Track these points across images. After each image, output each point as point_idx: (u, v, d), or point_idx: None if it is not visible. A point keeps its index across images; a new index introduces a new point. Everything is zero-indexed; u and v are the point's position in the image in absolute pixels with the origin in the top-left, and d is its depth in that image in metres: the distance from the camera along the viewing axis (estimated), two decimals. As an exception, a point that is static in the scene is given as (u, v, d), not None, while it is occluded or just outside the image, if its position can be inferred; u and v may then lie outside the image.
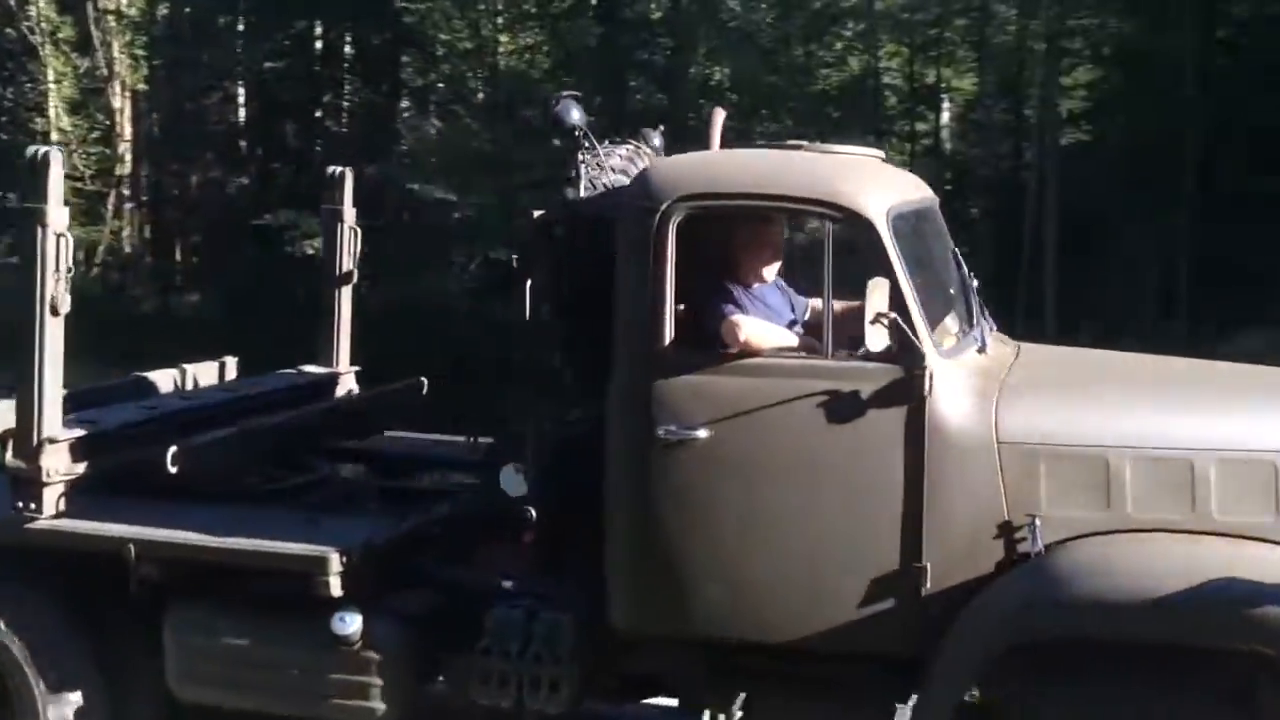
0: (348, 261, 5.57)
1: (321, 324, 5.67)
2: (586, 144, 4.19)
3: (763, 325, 3.89)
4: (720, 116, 4.70)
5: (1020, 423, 3.64)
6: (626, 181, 4.16)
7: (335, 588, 3.80)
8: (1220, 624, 3.29)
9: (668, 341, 3.74)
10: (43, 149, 4.05)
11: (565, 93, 4.33)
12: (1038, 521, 3.51)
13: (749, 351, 3.76)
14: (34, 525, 4.07)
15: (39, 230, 3.96)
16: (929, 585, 3.58)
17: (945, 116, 21.76)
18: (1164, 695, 3.32)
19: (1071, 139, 20.53)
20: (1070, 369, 4.32)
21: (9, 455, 4.14)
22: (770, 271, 4.15)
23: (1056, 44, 19.66)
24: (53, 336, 4.06)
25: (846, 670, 3.79)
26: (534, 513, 3.90)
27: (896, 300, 3.57)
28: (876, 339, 3.50)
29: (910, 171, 5.07)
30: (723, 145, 4.62)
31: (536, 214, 4.18)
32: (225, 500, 4.38)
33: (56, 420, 4.13)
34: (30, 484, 4.04)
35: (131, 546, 3.98)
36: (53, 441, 4.08)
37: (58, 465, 4.07)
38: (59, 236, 3.99)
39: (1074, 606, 3.38)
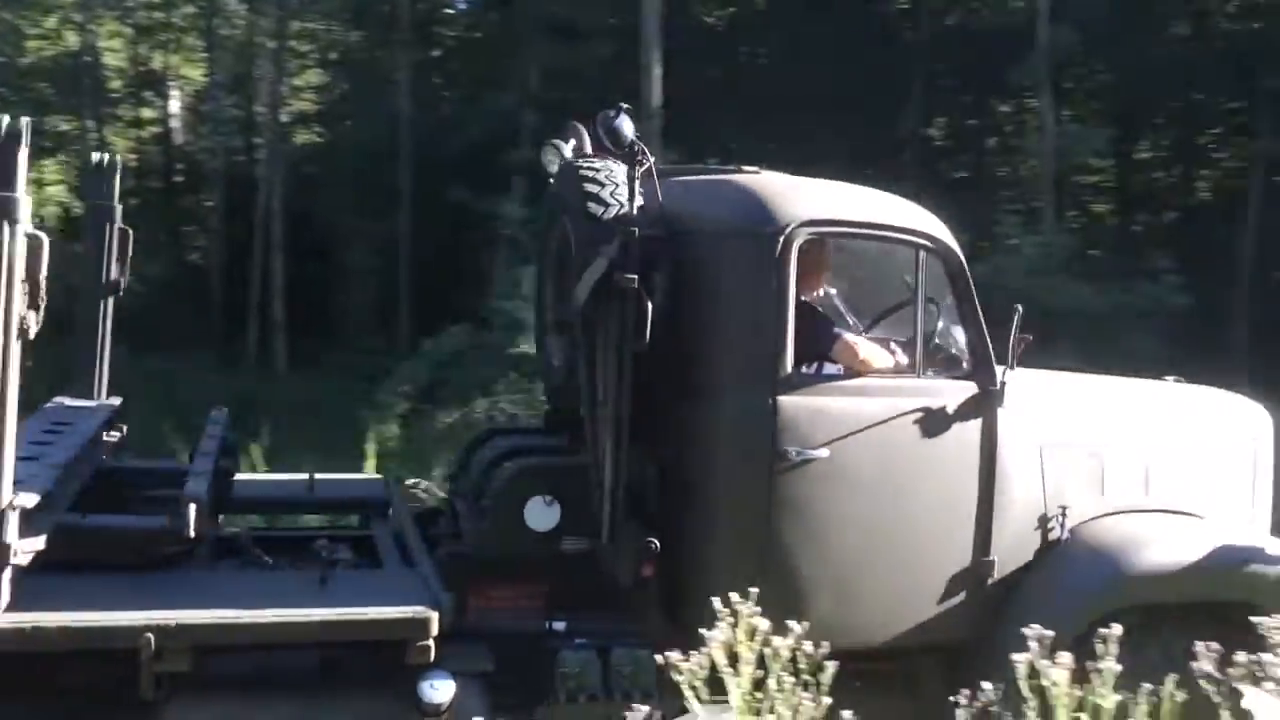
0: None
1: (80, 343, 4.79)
2: (641, 158, 3.89)
3: (872, 346, 4.06)
4: None
5: (1051, 426, 4.19)
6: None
7: (432, 652, 3.32)
8: (1231, 581, 4.06)
9: (790, 363, 3.79)
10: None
11: (623, 105, 4.02)
12: (1066, 511, 4.09)
13: (864, 371, 3.94)
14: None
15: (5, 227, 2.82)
16: (995, 575, 4.00)
17: (174, 105, 21.07)
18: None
19: (304, 140, 21.08)
20: (1046, 382, 4.63)
21: None
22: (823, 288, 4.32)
23: (285, 43, 20.02)
24: (14, 369, 2.91)
25: (915, 663, 4.04)
26: (657, 544, 3.67)
27: (974, 322, 4.04)
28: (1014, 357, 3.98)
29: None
30: None
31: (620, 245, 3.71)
32: (180, 569, 3.56)
33: (9, 481, 2.94)
34: None
35: (150, 636, 3.07)
36: (12, 509, 2.93)
37: (17, 540, 2.94)
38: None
39: (1147, 577, 3.99)
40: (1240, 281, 15.67)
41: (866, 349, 4.07)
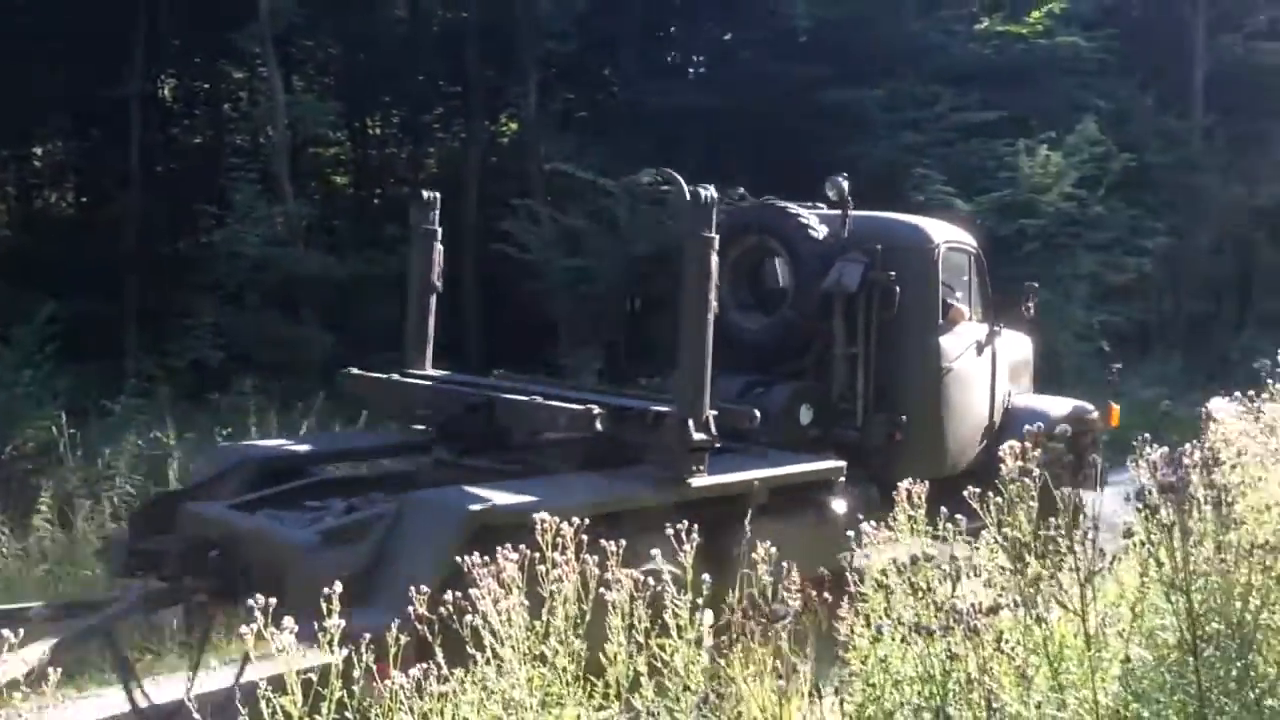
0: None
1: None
2: (849, 205, 7.28)
3: (961, 308, 7.67)
4: None
5: (1006, 352, 8.08)
6: None
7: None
8: (1081, 417, 8.16)
9: (942, 319, 7.49)
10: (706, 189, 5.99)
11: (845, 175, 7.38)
12: (1010, 394, 8.09)
13: (959, 321, 7.64)
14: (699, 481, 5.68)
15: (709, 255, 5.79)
16: (992, 427, 7.67)
17: None
18: None
19: None
20: (1005, 332, 8.22)
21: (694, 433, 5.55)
22: None
23: None
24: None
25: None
26: (904, 418, 7.09)
27: (987, 294, 7.98)
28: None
29: None
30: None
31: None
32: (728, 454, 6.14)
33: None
34: (702, 451, 5.61)
35: (756, 484, 5.83)
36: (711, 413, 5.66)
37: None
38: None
39: (1052, 419, 7.47)
40: (466, 251, 17.08)
41: (957, 311, 7.62)
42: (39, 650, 4.59)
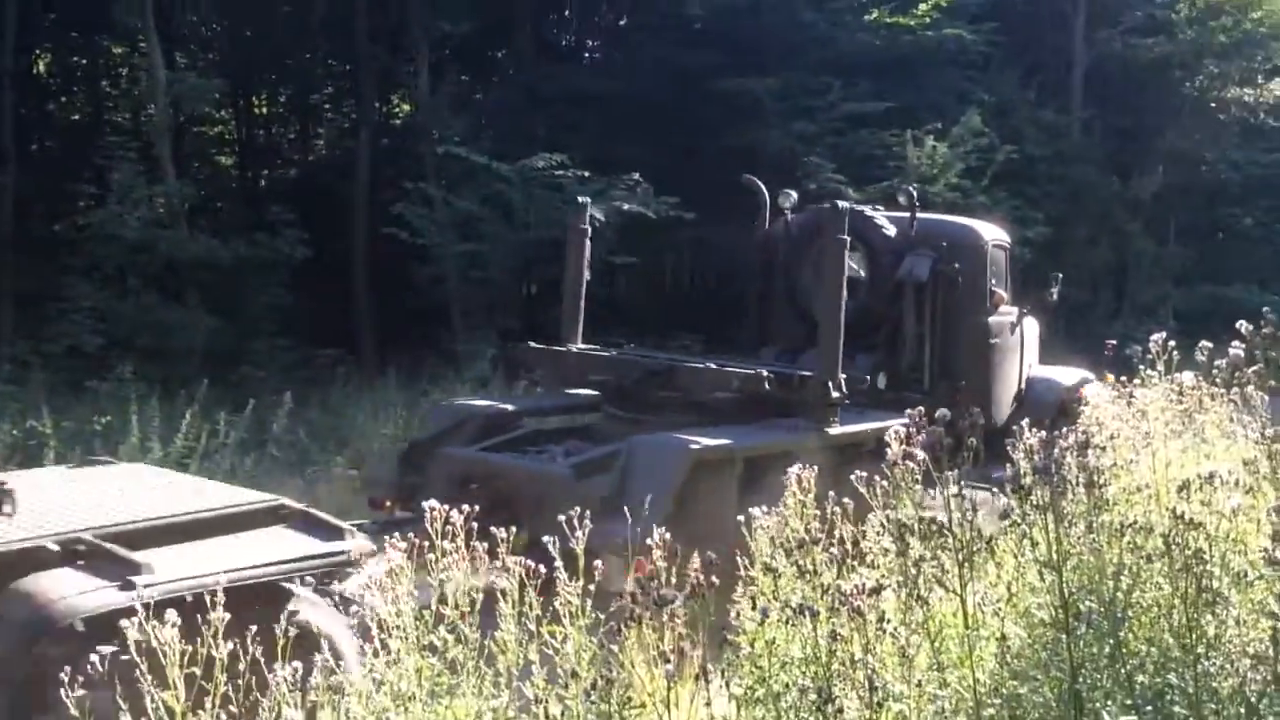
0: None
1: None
2: (917, 209, 9.08)
3: (1001, 293, 9.21)
4: None
5: (1027, 330, 9.60)
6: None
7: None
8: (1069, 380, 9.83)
9: (989, 303, 9.06)
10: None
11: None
12: (1030, 365, 9.78)
13: (999, 304, 9.17)
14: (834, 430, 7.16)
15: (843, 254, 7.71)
16: (1020, 391, 9.39)
17: None
18: None
19: None
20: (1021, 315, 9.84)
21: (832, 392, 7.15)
22: None
23: None
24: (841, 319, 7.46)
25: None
26: (964, 383, 8.44)
27: (1011, 282, 9.62)
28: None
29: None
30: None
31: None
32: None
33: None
34: (835, 407, 7.18)
35: (869, 432, 6.97)
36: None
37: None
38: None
39: (1067, 388, 9.38)
40: (356, 235, 16.80)
41: (999, 296, 9.13)
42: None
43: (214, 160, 20.23)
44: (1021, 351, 9.38)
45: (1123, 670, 3.23)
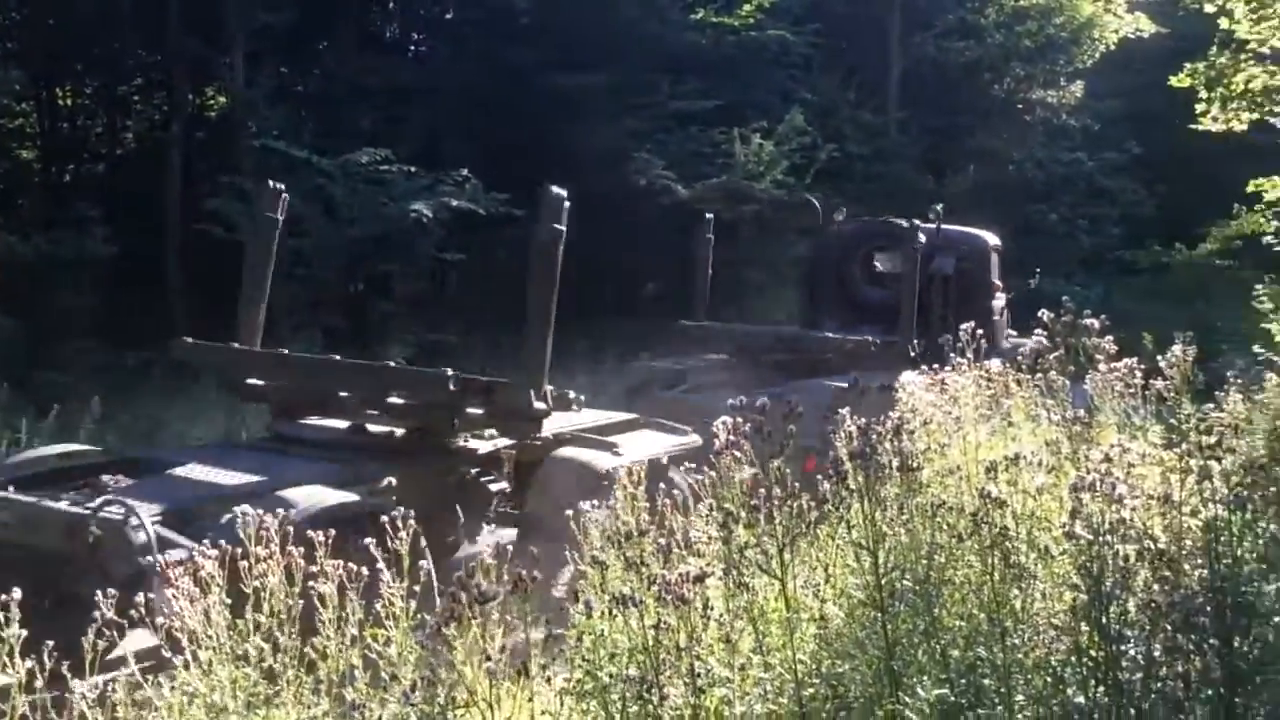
0: None
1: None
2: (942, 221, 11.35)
3: (998, 284, 11.91)
4: None
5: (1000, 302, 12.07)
6: None
7: None
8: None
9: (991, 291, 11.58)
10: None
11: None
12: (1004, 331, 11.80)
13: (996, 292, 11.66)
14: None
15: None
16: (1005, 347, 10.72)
17: None
18: None
19: None
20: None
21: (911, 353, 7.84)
22: None
23: None
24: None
25: None
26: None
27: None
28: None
29: None
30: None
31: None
32: None
33: None
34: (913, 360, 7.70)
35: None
36: None
37: None
38: None
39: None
40: (169, 232, 16.09)
41: (996, 285, 11.50)
42: None
43: (14, 154, 19.06)
44: (1006, 329, 11.80)
45: (936, 646, 3.33)
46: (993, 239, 12.40)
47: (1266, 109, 10.12)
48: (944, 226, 11.49)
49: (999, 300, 11.78)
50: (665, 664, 3.12)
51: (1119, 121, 26.69)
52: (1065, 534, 3.29)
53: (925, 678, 3.21)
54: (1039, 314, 7.48)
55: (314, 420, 7.13)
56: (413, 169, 14.66)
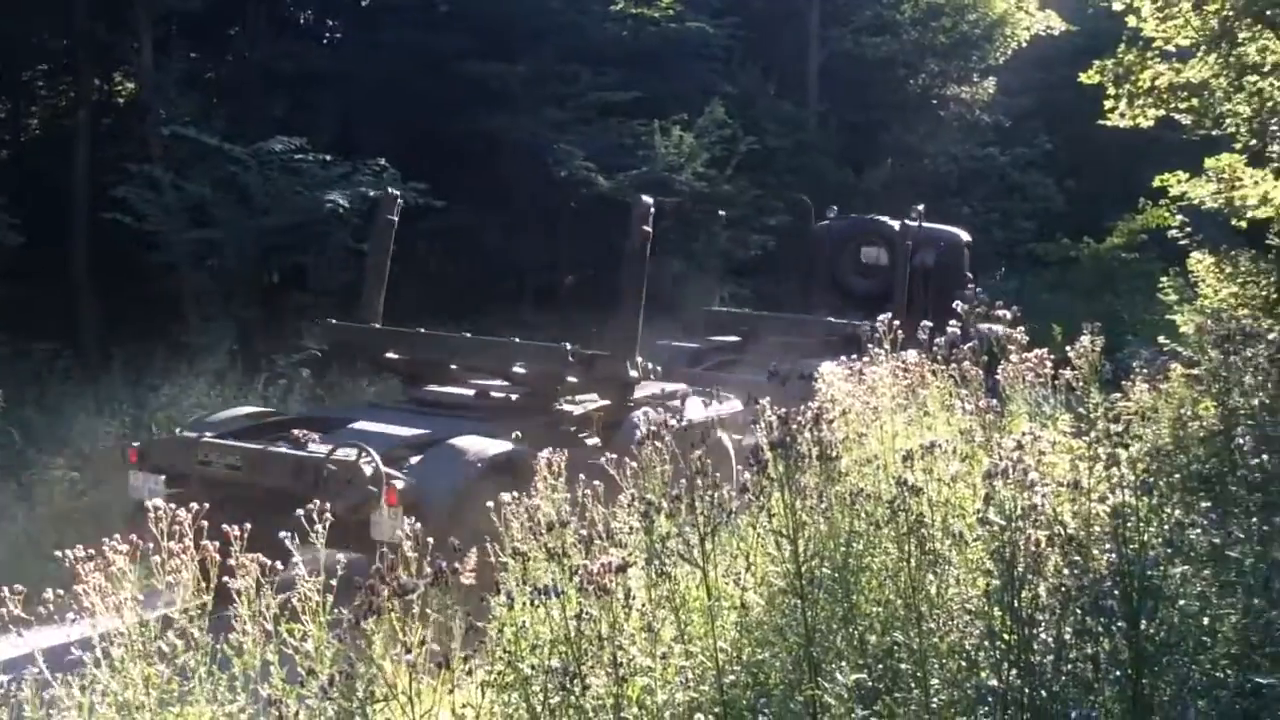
0: None
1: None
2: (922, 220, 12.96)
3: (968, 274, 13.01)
4: None
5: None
6: None
7: None
8: None
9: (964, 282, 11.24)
10: None
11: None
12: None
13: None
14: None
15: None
16: None
17: None
18: None
19: None
20: None
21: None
22: None
23: None
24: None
25: None
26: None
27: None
28: None
29: None
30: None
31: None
32: None
33: None
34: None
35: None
36: None
37: None
38: None
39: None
40: (76, 220, 15.63)
41: (967, 276, 12.12)
42: None
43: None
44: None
45: (854, 632, 3.37)
46: (965, 235, 14.17)
47: (1171, 105, 10.38)
48: (924, 224, 12.95)
49: (969, 291, 12.98)
50: (587, 654, 3.11)
51: (1030, 117, 27.26)
52: (979, 520, 3.36)
53: (844, 663, 3.26)
54: (953, 305, 7.62)
55: (436, 388, 8.54)
56: (328, 158, 14.41)
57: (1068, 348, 5.95)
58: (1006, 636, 3.09)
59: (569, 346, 7.78)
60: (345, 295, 15.38)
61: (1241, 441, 4.45)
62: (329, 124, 15.85)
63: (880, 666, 3.34)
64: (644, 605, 3.23)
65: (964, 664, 3.29)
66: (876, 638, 3.54)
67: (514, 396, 8.21)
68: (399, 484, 6.23)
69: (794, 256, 16.65)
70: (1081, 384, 5.68)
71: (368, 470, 6.21)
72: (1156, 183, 11.69)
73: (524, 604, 3.32)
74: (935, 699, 3.26)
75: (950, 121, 25.98)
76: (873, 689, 3.27)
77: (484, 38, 17.10)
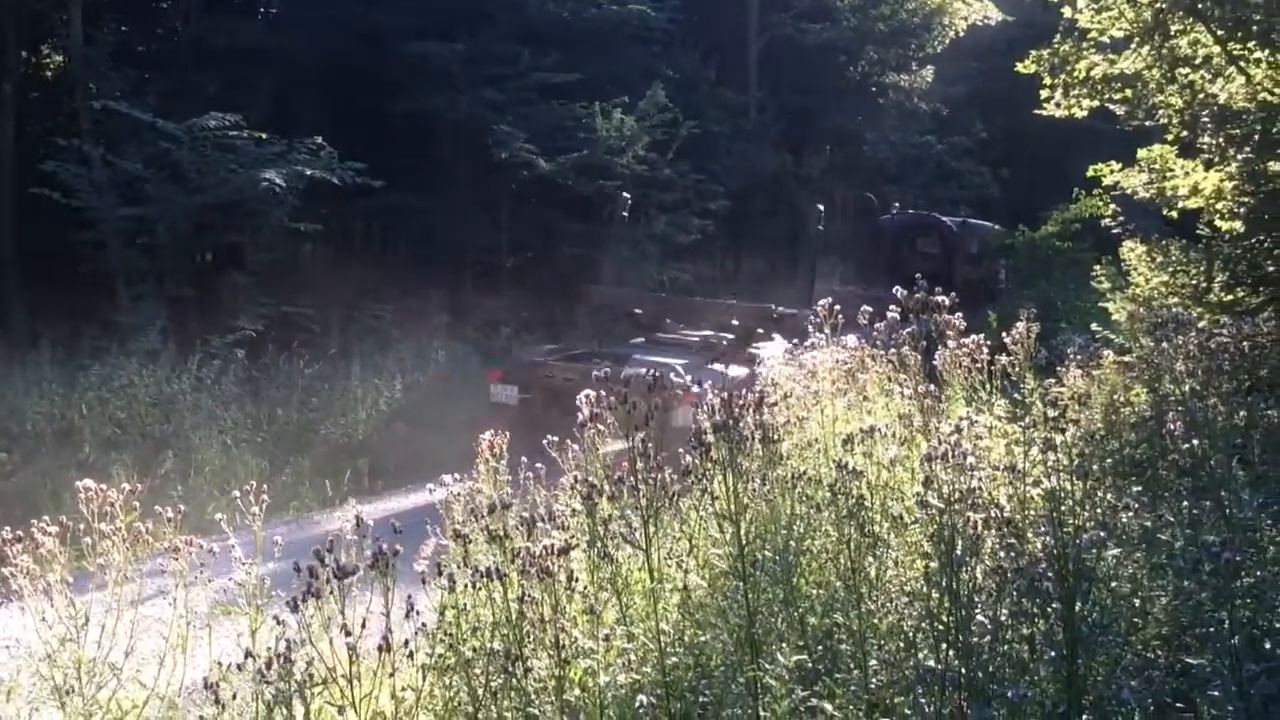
0: None
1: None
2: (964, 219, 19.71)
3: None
4: None
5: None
6: None
7: None
8: None
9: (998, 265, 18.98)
10: None
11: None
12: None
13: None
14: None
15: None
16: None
17: None
18: None
19: None
20: None
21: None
22: None
23: None
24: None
25: None
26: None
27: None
28: None
29: None
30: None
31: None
32: None
33: None
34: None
35: None
36: None
37: None
38: None
39: None
40: (1, 196, 15.22)
41: (999, 263, 19.73)
42: None
43: None
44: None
45: (795, 613, 3.40)
46: (997, 227, 19.45)
47: (1106, 96, 10.51)
48: (968, 220, 17.91)
49: (1002, 271, 18.63)
50: (529, 637, 3.10)
51: (967, 106, 27.58)
52: (918, 503, 3.40)
53: (784, 644, 3.28)
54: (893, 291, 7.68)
55: (662, 335, 11.86)
56: (263, 135, 14.16)
57: (1003, 334, 6.04)
58: (944, 618, 3.13)
59: (774, 307, 11.69)
60: (281, 275, 15.19)
61: (1172, 427, 4.54)
62: (264, 101, 15.57)
63: (820, 648, 3.37)
64: (586, 588, 3.22)
65: (903, 645, 3.33)
66: (817, 619, 3.57)
67: (725, 340, 11.22)
68: (695, 389, 7.49)
69: (861, 246, 20.49)
70: (1017, 370, 5.76)
71: (676, 380, 7.76)
72: (1090, 173, 11.84)
73: (465, 586, 3.30)
74: (874, 679, 3.29)
75: (889, 109, 26.20)
76: (813, 670, 3.30)
77: (423, 16, 16.89)
